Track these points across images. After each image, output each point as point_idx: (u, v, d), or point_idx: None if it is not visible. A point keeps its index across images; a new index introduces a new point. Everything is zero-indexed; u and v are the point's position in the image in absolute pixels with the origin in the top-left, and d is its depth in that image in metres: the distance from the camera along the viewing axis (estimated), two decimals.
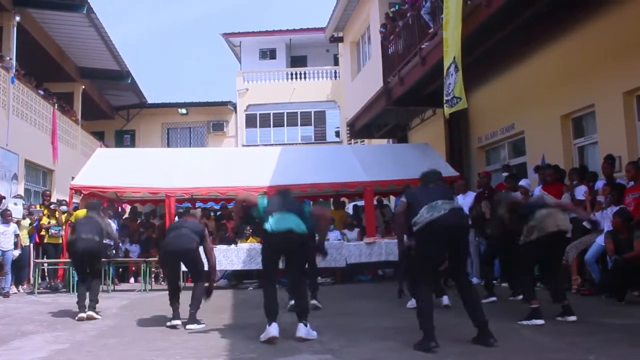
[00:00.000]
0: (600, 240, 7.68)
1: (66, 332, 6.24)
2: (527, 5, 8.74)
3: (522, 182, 9.40)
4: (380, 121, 16.74)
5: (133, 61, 56.87)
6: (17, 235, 10.62)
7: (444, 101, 9.86)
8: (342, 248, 11.42)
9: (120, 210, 14.46)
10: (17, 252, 10.60)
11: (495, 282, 8.76)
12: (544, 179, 9.17)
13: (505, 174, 10.55)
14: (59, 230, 11.53)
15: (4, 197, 11.32)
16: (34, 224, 11.61)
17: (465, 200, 10.41)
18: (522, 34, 9.83)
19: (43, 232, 11.65)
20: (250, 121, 25.71)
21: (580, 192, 8.51)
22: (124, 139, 25.64)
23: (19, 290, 10.89)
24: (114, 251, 11.16)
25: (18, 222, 10.92)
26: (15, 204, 11.17)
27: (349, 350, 4.78)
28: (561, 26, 9.70)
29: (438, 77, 11.37)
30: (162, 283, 11.55)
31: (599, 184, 8.29)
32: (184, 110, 25.66)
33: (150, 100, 25.30)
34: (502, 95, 12.02)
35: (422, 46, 11.62)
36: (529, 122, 11.22)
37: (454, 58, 9.31)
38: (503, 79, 11.96)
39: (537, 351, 4.60)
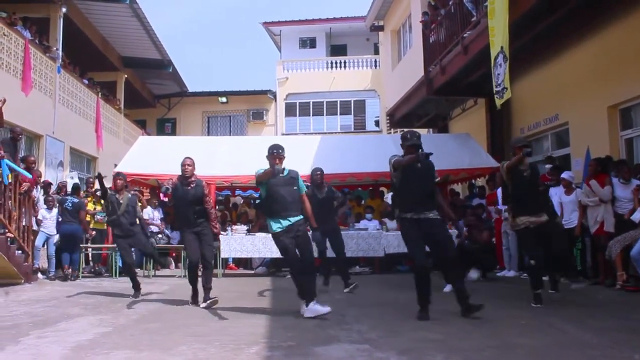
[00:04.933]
0: None
1: (109, 316, 6.39)
2: None
3: (565, 175, 9.20)
4: (420, 111, 16.58)
5: (174, 50, 57.59)
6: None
7: (494, 92, 9.62)
8: (381, 238, 11.38)
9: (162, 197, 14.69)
10: (57, 237, 10.85)
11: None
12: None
13: (548, 165, 10.32)
14: (104, 216, 11.78)
15: (52, 184, 11.62)
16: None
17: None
18: (568, 21, 9.58)
19: (88, 218, 11.92)
20: (290, 110, 25.80)
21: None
22: (165, 127, 26.00)
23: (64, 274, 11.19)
24: (159, 236, 11.48)
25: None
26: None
27: (386, 341, 4.77)
28: (609, 14, 9.42)
29: (480, 66, 11.20)
30: None
31: None
32: (224, 99, 25.86)
33: (190, 89, 25.62)
34: (547, 85, 11.75)
35: (465, 35, 11.44)
36: (573, 112, 10.95)
37: (502, 47, 9.11)
38: (548, 68, 11.69)
39: (579, 347, 4.50)
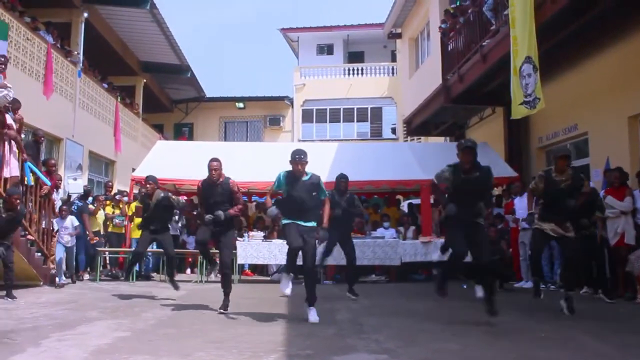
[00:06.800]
0: None
1: (127, 320, 6.42)
2: (594, 2, 8.47)
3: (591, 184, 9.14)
4: (437, 119, 16.52)
5: (192, 55, 57.93)
6: (75, 227, 10.69)
7: (523, 102, 9.49)
8: (398, 246, 11.34)
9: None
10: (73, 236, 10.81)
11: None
12: (610, 182, 8.83)
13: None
14: (123, 220, 11.89)
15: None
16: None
17: (521, 201, 10.23)
18: (587, 31, 9.52)
19: (108, 222, 12.02)
20: (307, 116, 25.86)
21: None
22: (183, 131, 26.16)
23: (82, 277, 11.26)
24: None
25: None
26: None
27: (405, 351, 4.75)
28: (629, 24, 9.34)
29: (499, 75, 11.16)
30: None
31: None
32: (241, 105, 25.98)
33: (208, 94, 25.75)
34: (566, 95, 11.66)
35: (484, 43, 11.40)
36: (593, 122, 10.86)
37: (529, 57, 8.99)
38: (566, 77, 11.61)
39: None
